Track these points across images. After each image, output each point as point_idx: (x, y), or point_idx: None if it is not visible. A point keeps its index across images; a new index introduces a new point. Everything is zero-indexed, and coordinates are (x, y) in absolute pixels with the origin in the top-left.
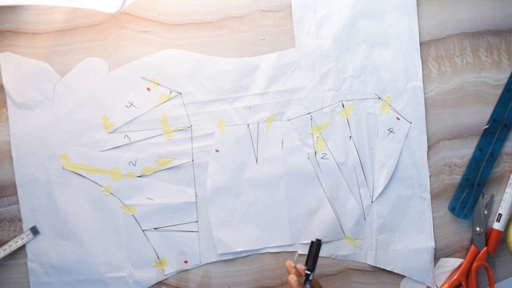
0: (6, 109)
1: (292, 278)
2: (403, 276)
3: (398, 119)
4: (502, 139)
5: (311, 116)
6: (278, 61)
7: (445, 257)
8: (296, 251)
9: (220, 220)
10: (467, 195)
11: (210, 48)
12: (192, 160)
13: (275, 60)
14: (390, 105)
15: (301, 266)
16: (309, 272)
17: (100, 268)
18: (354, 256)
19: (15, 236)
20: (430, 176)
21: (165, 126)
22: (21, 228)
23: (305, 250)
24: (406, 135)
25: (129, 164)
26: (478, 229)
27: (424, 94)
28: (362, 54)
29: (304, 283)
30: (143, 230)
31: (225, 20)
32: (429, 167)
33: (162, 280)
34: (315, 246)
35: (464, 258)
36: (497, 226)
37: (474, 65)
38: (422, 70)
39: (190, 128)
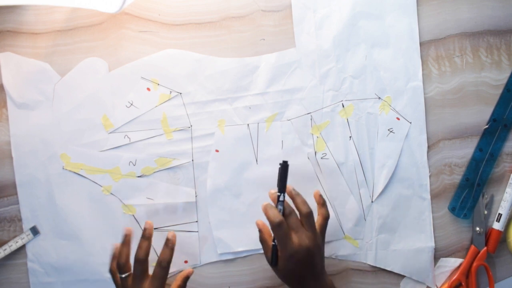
0: (6, 109)
1: (263, 204)
2: (403, 276)
3: (398, 119)
4: (502, 139)
5: (311, 116)
6: (278, 61)
7: (445, 257)
8: None
9: (220, 220)
10: (467, 195)
11: (210, 48)
12: (192, 160)
13: (275, 60)
14: (390, 105)
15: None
16: (279, 194)
17: (100, 268)
18: (354, 256)
19: (15, 236)
20: (430, 176)
21: (165, 126)
22: (21, 228)
23: None
24: (406, 135)
25: (129, 164)
26: (478, 229)
27: (424, 94)
28: (362, 54)
29: (277, 205)
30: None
31: (225, 20)
32: (429, 167)
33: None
34: (282, 167)
35: (464, 258)
36: (497, 226)
37: (474, 65)
38: (422, 70)
39: (190, 128)
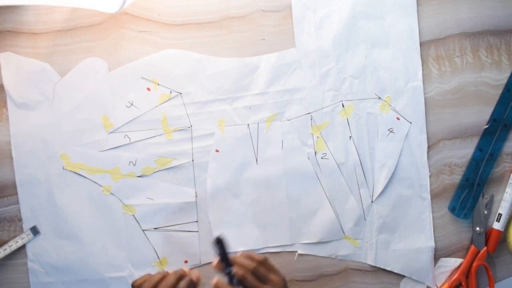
0: (6, 109)
1: (214, 283)
2: (403, 276)
3: (398, 119)
4: (502, 139)
5: (311, 116)
6: (278, 61)
7: (445, 257)
8: (296, 251)
9: (220, 220)
10: (467, 195)
11: (210, 48)
12: (192, 160)
13: (275, 60)
14: (390, 105)
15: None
16: (228, 270)
17: (100, 268)
18: (354, 256)
19: (15, 236)
20: (430, 176)
21: (165, 126)
22: (21, 228)
23: (305, 250)
24: (406, 135)
25: (129, 164)
26: (478, 229)
27: (424, 94)
28: (362, 54)
29: (231, 282)
30: (143, 230)
31: (225, 20)
32: (429, 167)
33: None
34: (219, 244)
35: (464, 258)
36: (497, 226)
37: (474, 65)
38: (422, 70)
39: (190, 128)
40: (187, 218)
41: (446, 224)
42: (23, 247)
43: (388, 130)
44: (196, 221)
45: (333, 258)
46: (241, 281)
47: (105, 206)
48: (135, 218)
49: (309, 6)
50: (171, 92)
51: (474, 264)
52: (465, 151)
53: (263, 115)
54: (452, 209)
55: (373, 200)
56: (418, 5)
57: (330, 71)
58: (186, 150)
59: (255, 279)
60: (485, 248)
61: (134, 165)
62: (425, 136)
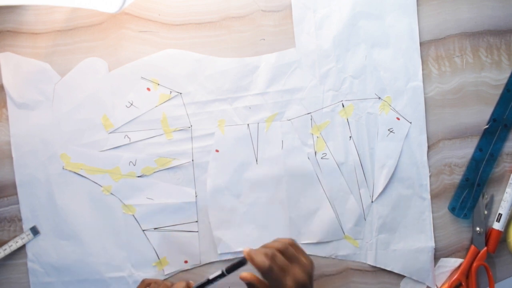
0: (6, 109)
1: (246, 250)
2: (403, 276)
3: (398, 119)
4: (502, 139)
5: (311, 116)
6: (278, 61)
7: (445, 257)
8: None
9: (220, 220)
10: (467, 195)
11: (210, 48)
12: (192, 160)
13: (275, 60)
14: (390, 105)
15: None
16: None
17: (100, 268)
18: (354, 256)
19: (15, 236)
20: (430, 176)
21: (165, 126)
22: (21, 228)
23: (305, 250)
24: (406, 135)
25: (129, 164)
26: (478, 229)
27: (424, 94)
28: (362, 54)
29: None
30: (143, 230)
31: (225, 20)
32: (429, 167)
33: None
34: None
35: (464, 258)
36: (497, 226)
37: (474, 65)
38: (422, 70)
39: (190, 128)
40: (187, 218)
41: (446, 224)
42: (23, 247)
43: (388, 130)
44: (196, 221)
45: (333, 258)
46: (270, 257)
47: (105, 206)
48: (135, 218)
49: (309, 6)
50: (171, 92)
51: (474, 264)
52: (465, 151)
53: (263, 115)
54: (452, 209)
55: (373, 200)
56: (418, 5)
57: (330, 71)
58: (186, 150)
59: (283, 260)
60: (485, 248)
61: (134, 165)
62: (425, 136)
